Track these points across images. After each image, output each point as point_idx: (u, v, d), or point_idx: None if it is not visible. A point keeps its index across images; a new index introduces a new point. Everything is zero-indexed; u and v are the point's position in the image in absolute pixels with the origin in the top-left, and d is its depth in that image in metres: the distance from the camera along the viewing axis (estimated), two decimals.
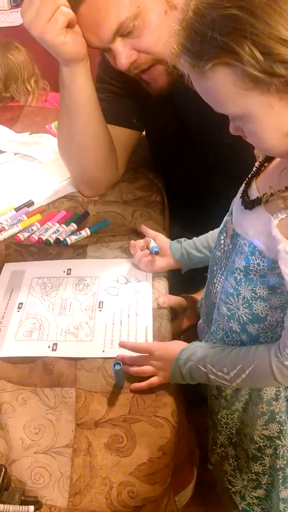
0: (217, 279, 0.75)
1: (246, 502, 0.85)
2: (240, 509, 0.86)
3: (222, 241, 0.75)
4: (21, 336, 0.83)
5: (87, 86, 0.95)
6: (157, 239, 0.92)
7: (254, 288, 0.67)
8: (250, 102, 0.53)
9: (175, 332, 0.88)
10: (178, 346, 0.76)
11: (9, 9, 2.17)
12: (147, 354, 0.76)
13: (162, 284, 0.92)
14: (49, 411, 0.73)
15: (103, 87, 1.09)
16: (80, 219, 1.07)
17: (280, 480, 0.78)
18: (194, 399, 0.85)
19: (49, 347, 0.81)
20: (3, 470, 0.61)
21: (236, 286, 0.69)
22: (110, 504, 0.63)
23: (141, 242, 0.94)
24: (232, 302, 0.70)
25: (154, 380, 0.74)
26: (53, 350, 0.80)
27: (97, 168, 1.07)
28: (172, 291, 0.93)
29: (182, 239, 0.92)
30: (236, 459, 0.83)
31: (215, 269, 0.76)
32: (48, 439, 0.70)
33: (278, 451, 0.77)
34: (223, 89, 0.53)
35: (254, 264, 0.65)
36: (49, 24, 0.83)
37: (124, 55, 0.89)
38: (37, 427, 0.71)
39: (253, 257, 0.65)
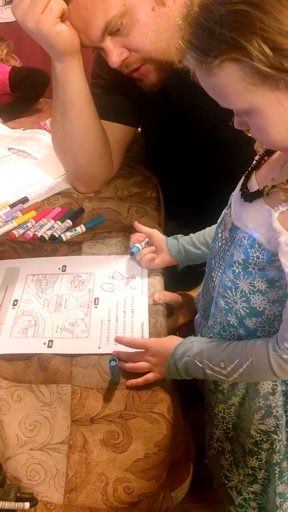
0: (215, 273, 0.75)
1: (242, 497, 0.85)
2: (237, 504, 0.86)
3: (220, 235, 0.75)
4: (16, 333, 0.83)
5: (80, 81, 0.95)
6: (152, 236, 0.92)
7: (253, 282, 0.66)
8: (258, 97, 0.53)
9: (170, 329, 0.87)
10: (173, 341, 0.76)
11: (3, 5, 2.16)
12: (143, 350, 0.76)
13: (158, 281, 0.91)
14: (45, 408, 0.73)
15: (98, 83, 1.09)
16: (75, 216, 1.07)
17: (277, 475, 0.79)
18: (191, 396, 0.85)
19: (44, 344, 0.80)
20: None
21: (234, 280, 0.68)
22: (106, 500, 0.63)
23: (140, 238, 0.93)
24: (230, 295, 0.70)
25: (149, 376, 0.74)
26: (49, 347, 0.80)
27: (91, 164, 1.07)
28: (168, 287, 0.93)
29: (179, 236, 0.92)
30: (232, 454, 0.84)
31: (213, 262, 0.76)
32: (44, 436, 0.69)
33: (274, 446, 0.77)
34: (230, 85, 0.53)
35: (254, 257, 0.65)
36: (44, 14, 0.83)
37: (115, 53, 0.89)
38: (32, 423, 0.71)
39: (252, 250, 0.65)
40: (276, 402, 0.75)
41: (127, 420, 0.70)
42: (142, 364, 0.75)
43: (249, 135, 0.61)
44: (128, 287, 0.90)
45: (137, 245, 0.90)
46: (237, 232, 0.68)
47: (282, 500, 0.80)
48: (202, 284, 0.85)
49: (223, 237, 0.74)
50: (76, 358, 0.78)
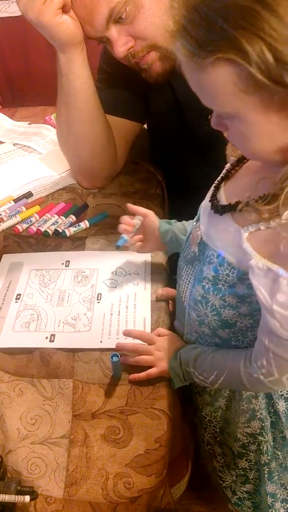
0: (185, 285, 0.73)
1: (237, 496, 0.85)
2: (233, 502, 0.86)
3: (188, 248, 0.72)
4: (18, 327, 0.83)
5: (84, 72, 0.95)
6: (147, 218, 0.86)
7: (223, 297, 0.64)
8: (246, 105, 0.48)
9: (172, 325, 0.87)
10: (178, 342, 0.76)
11: None
12: (150, 344, 0.76)
13: (161, 277, 0.91)
14: (46, 402, 0.73)
15: (104, 78, 1.08)
16: (79, 211, 1.07)
17: (266, 475, 0.78)
18: (188, 393, 0.85)
19: (46, 338, 0.81)
20: None
21: (204, 294, 0.66)
22: (106, 495, 0.63)
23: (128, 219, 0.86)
24: (200, 309, 0.68)
25: (152, 371, 0.74)
26: (51, 341, 0.80)
27: (95, 158, 1.07)
28: (171, 284, 0.92)
29: (173, 221, 0.88)
30: (223, 457, 0.83)
31: (183, 274, 0.73)
32: (45, 430, 0.70)
33: (261, 447, 0.76)
34: (220, 86, 0.47)
35: (223, 274, 0.62)
36: (45, 5, 0.83)
37: (120, 42, 0.89)
38: (33, 417, 0.71)
39: (222, 267, 0.62)
40: (259, 405, 0.74)
41: (128, 415, 0.71)
42: (146, 358, 0.75)
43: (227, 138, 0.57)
44: (131, 283, 0.90)
45: (125, 236, 0.85)
46: (206, 248, 0.65)
47: (273, 499, 0.79)
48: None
49: (191, 250, 0.71)
50: (78, 353, 0.78)
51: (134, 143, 1.17)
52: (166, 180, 1.19)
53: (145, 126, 1.20)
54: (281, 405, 0.73)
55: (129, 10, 0.85)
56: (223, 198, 0.64)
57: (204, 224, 0.67)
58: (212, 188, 0.68)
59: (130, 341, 0.78)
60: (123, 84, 1.06)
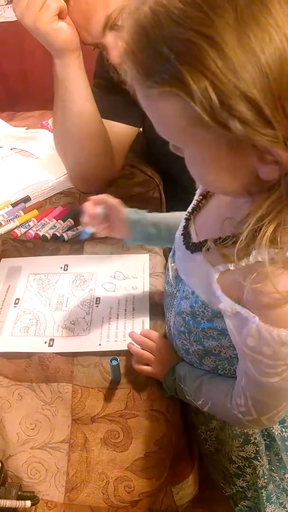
0: (168, 314, 0.72)
1: (238, 507, 0.84)
2: (237, 511, 0.85)
3: (169, 278, 0.70)
4: (17, 331, 0.83)
5: (80, 78, 0.95)
6: (113, 209, 0.79)
7: (204, 329, 0.62)
8: (194, 142, 0.45)
9: None
10: (173, 359, 0.74)
11: (6, 4, 2.15)
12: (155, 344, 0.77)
13: (160, 281, 0.91)
14: (45, 407, 0.73)
15: (100, 83, 1.09)
16: (77, 215, 1.07)
17: (264, 498, 0.77)
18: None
19: (45, 342, 0.81)
20: (0, 465, 0.61)
21: (186, 326, 0.65)
22: (106, 499, 0.63)
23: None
24: (184, 338, 0.67)
25: (145, 368, 0.75)
26: (50, 345, 0.80)
27: (91, 163, 1.07)
28: None
29: (142, 212, 0.82)
30: (222, 471, 0.83)
31: (167, 303, 0.72)
32: (45, 435, 0.70)
33: (257, 471, 0.75)
34: (168, 119, 0.45)
35: (199, 311, 0.60)
36: (41, 12, 0.84)
37: (116, 48, 0.89)
38: (33, 422, 0.71)
39: (196, 305, 0.60)
40: (253, 430, 0.72)
41: (128, 419, 0.71)
42: (147, 355, 0.75)
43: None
44: (130, 286, 0.90)
45: (87, 230, 0.78)
46: (182, 282, 0.64)
47: None
48: None
49: (170, 281, 0.69)
50: (77, 357, 0.79)
51: (131, 147, 1.18)
52: (163, 184, 1.19)
53: (142, 129, 1.20)
54: (275, 429, 0.72)
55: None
56: (194, 233, 0.62)
57: (179, 258, 0.65)
58: (183, 220, 0.65)
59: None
60: (119, 89, 1.06)
